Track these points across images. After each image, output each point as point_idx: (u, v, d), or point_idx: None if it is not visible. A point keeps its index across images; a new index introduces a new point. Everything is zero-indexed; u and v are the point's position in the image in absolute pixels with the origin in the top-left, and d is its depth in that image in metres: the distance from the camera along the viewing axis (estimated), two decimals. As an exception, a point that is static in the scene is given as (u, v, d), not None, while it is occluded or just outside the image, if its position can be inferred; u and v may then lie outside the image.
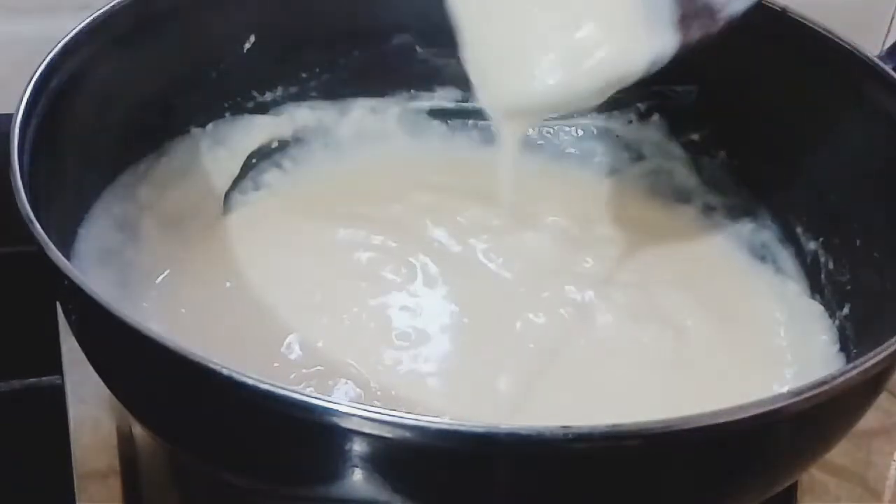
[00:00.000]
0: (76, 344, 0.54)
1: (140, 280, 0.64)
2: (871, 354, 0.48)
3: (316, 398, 0.43)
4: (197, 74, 0.70)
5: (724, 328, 0.66)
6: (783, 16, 0.68)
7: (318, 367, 0.60)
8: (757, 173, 0.72)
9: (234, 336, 0.61)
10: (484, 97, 0.61)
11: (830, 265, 0.67)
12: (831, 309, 0.66)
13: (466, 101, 0.77)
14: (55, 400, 0.63)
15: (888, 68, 0.63)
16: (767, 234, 0.71)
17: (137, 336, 0.45)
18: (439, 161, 0.76)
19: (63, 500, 0.59)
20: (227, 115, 0.72)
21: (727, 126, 0.73)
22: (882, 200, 0.63)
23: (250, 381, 0.43)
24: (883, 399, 0.54)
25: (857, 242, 0.64)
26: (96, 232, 0.62)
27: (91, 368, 0.54)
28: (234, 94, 0.73)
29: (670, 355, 0.63)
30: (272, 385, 0.43)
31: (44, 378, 0.66)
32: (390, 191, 0.73)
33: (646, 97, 0.75)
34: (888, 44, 0.83)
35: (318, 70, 0.75)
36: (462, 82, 0.76)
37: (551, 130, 0.78)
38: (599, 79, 0.57)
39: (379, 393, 0.59)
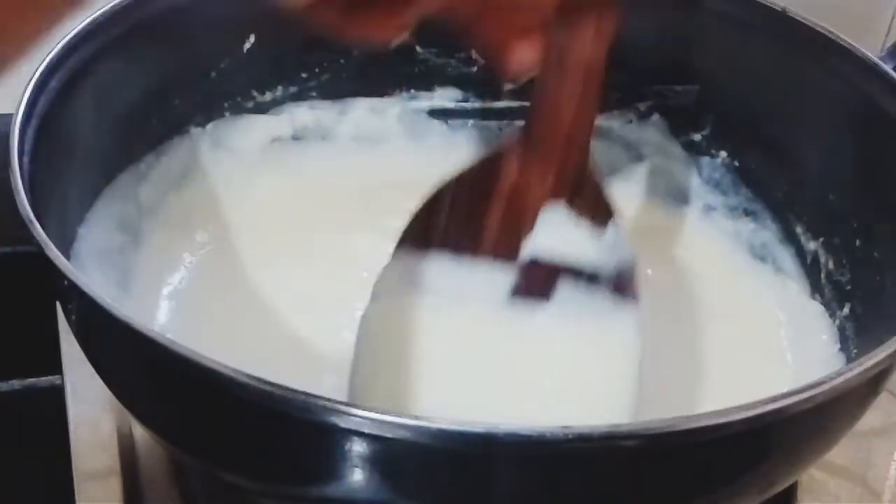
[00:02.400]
0: (76, 344, 0.54)
1: (140, 280, 0.64)
2: (871, 354, 0.48)
3: (316, 398, 0.42)
4: (197, 74, 0.70)
5: (724, 328, 0.66)
6: (783, 16, 0.68)
7: (324, 368, 0.60)
8: (757, 173, 0.72)
9: (235, 336, 0.61)
10: None
11: (830, 265, 0.67)
12: (831, 309, 0.66)
13: (466, 101, 0.77)
14: (55, 400, 0.63)
15: (888, 68, 0.63)
16: (767, 234, 0.71)
17: (137, 336, 0.45)
18: (439, 161, 0.76)
19: (63, 500, 0.59)
20: (227, 115, 0.72)
21: (727, 126, 0.73)
22: (882, 200, 0.63)
23: (250, 381, 0.43)
24: (883, 399, 0.54)
25: (857, 242, 0.64)
26: (96, 232, 0.62)
27: (91, 368, 0.54)
28: (234, 94, 0.73)
29: (670, 355, 0.63)
30: (272, 385, 0.43)
31: (44, 378, 0.66)
32: (390, 191, 0.73)
33: (646, 97, 0.75)
34: (888, 44, 0.83)
35: (318, 70, 0.75)
36: (462, 82, 0.77)
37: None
38: None
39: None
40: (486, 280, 0.53)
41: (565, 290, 0.54)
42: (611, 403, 0.53)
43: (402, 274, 0.54)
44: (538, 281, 0.53)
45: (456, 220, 0.54)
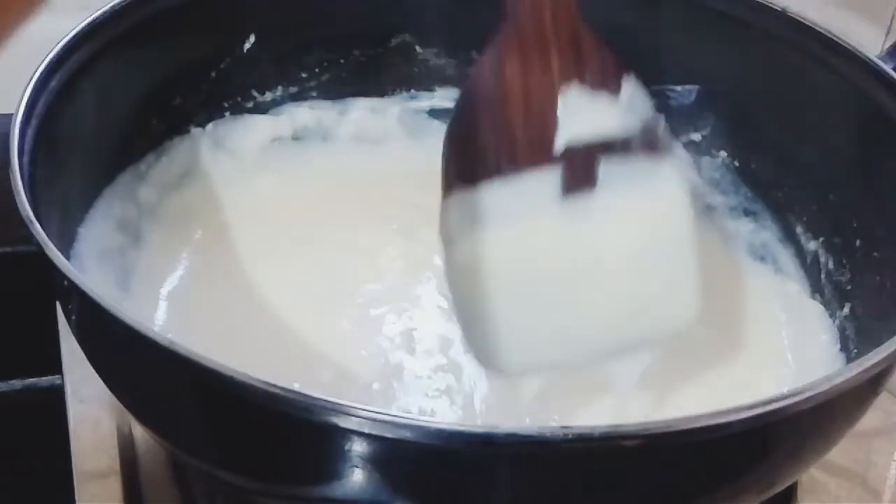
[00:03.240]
0: (76, 344, 0.54)
1: (140, 280, 0.64)
2: (871, 354, 0.48)
3: (315, 398, 0.42)
4: (197, 74, 0.70)
5: (724, 328, 0.66)
6: (783, 16, 0.68)
7: (323, 373, 0.60)
8: (757, 173, 0.72)
9: (235, 335, 0.61)
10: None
11: (830, 265, 0.67)
12: (831, 309, 0.66)
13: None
14: (55, 400, 0.63)
15: (888, 68, 0.63)
16: (767, 234, 0.71)
17: (137, 336, 0.45)
18: (439, 161, 0.76)
19: (63, 500, 0.59)
20: (227, 115, 0.72)
21: (727, 126, 0.73)
22: (882, 200, 0.63)
23: (250, 382, 0.43)
24: (883, 399, 0.54)
25: (857, 242, 0.64)
26: (96, 232, 0.62)
27: (91, 368, 0.54)
28: (234, 94, 0.73)
29: (670, 355, 0.63)
30: (271, 385, 0.43)
31: (44, 378, 0.66)
32: (390, 191, 0.73)
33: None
34: (888, 44, 0.83)
35: (318, 70, 0.75)
36: (462, 82, 0.76)
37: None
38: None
39: (390, 393, 0.60)
40: (537, 188, 0.53)
41: (607, 170, 0.53)
42: (678, 261, 0.55)
43: (459, 213, 0.54)
44: (580, 170, 0.53)
45: (486, 144, 0.53)
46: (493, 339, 0.54)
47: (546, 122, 0.53)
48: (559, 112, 0.53)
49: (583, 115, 0.53)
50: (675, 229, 0.55)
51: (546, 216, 0.53)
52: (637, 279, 0.54)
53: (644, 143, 0.54)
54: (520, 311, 0.53)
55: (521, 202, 0.53)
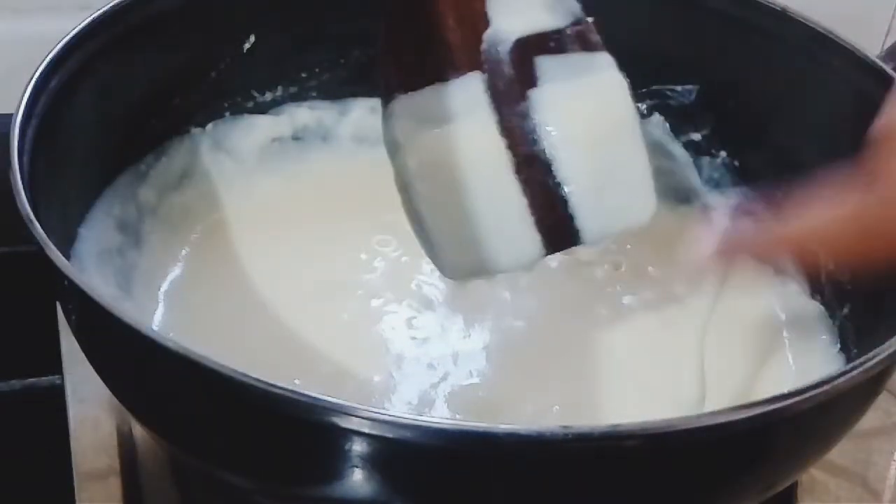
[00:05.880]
0: (76, 344, 0.54)
1: (140, 280, 0.64)
2: (871, 354, 0.48)
3: (316, 398, 0.42)
4: (197, 74, 0.70)
5: (725, 328, 0.66)
6: (783, 16, 0.68)
7: (324, 368, 0.60)
8: (757, 173, 0.72)
9: (235, 334, 0.61)
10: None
11: (830, 265, 0.67)
12: (831, 309, 0.66)
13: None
14: (55, 400, 0.63)
15: (888, 68, 0.63)
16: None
17: (137, 336, 0.45)
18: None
19: (63, 500, 0.59)
20: (227, 115, 0.72)
21: (727, 126, 0.73)
22: (882, 200, 0.63)
23: (250, 381, 0.43)
24: (883, 399, 0.54)
25: (857, 242, 0.64)
26: (96, 232, 0.62)
27: (91, 368, 0.54)
28: (234, 94, 0.73)
29: (670, 355, 0.63)
30: (271, 385, 0.43)
31: (44, 378, 0.66)
32: (390, 191, 0.72)
33: (646, 97, 0.75)
34: (888, 44, 0.83)
35: (318, 70, 0.75)
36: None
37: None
38: None
39: (391, 384, 0.60)
40: (477, 89, 0.53)
41: (544, 67, 0.53)
42: (627, 152, 0.55)
43: (400, 121, 0.55)
44: (519, 67, 0.53)
45: (421, 50, 0.54)
46: (443, 245, 0.53)
47: (476, 22, 0.53)
48: (488, 10, 0.52)
49: (511, 11, 0.53)
50: (618, 119, 0.54)
51: (488, 116, 0.52)
52: (584, 174, 0.53)
53: (577, 39, 0.54)
54: (467, 213, 0.53)
55: (461, 104, 0.52)
